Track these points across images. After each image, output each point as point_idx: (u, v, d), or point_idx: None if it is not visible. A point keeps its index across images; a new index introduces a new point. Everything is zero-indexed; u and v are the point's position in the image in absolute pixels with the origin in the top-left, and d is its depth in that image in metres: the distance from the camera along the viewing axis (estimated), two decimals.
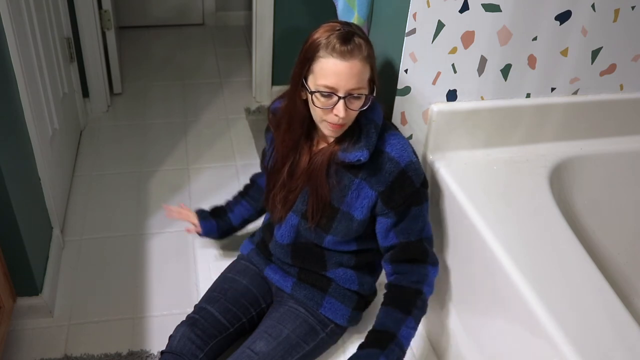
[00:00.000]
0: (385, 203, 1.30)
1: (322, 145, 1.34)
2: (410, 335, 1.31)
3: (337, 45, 1.16)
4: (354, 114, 1.24)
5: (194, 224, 1.73)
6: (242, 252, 1.61)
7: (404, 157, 1.28)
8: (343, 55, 1.16)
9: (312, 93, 1.21)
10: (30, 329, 1.58)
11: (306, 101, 1.27)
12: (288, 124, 1.33)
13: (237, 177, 2.22)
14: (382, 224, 1.34)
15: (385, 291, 1.36)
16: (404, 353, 1.29)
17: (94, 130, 2.48)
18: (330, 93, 1.19)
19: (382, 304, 1.35)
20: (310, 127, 1.33)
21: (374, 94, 1.25)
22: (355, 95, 1.20)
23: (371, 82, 1.23)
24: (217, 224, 1.71)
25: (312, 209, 1.34)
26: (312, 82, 1.21)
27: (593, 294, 1.12)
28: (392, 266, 1.35)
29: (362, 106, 1.22)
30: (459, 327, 1.43)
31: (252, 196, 1.71)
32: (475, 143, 1.49)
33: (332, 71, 1.17)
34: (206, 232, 1.73)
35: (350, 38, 1.17)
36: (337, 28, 1.18)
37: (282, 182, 1.39)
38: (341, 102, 1.18)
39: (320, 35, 1.18)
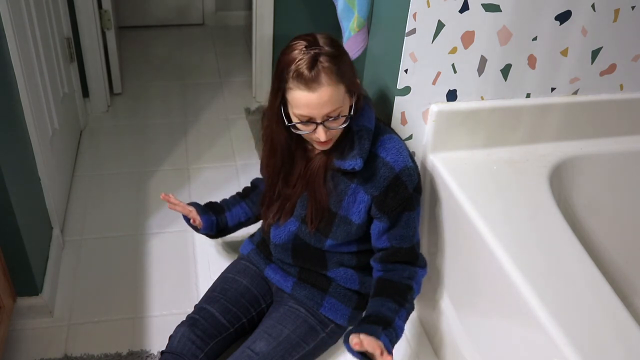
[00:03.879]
0: (378, 208, 1.30)
1: (317, 151, 1.35)
2: (402, 328, 1.31)
3: (304, 73, 1.14)
4: (338, 130, 1.25)
5: (193, 218, 1.62)
6: (242, 252, 1.61)
7: (398, 162, 1.28)
8: (309, 86, 1.15)
9: (291, 125, 1.23)
10: (30, 329, 1.58)
11: (286, 127, 1.28)
12: (270, 150, 1.35)
13: (237, 177, 2.22)
14: (376, 226, 1.35)
15: (374, 285, 1.37)
16: (397, 339, 1.29)
17: (94, 130, 2.48)
18: (307, 121, 1.20)
19: (373, 295, 1.35)
20: (298, 142, 1.34)
21: (358, 98, 1.26)
22: (332, 116, 1.20)
23: (350, 94, 1.23)
24: (216, 220, 1.65)
25: (312, 214, 1.34)
26: (290, 111, 1.22)
27: (593, 294, 1.12)
28: (382, 265, 1.37)
29: (344, 122, 1.23)
30: (459, 326, 1.43)
31: (254, 200, 1.67)
32: (475, 143, 1.49)
33: (303, 103, 1.17)
34: (205, 228, 1.62)
35: (312, 65, 1.14)
36: (302, 53, 1.15)
37: (278, 193, 1.40)
38: (320, 127, 1.20)
39: (288, 63, 1.17)
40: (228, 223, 1.66)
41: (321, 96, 1.16)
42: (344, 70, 1.19)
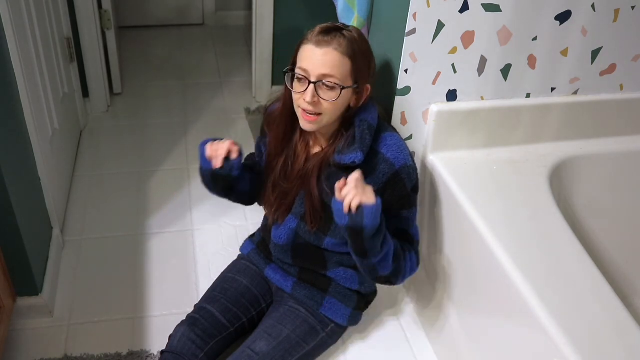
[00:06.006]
0: None
1: (317, 149, 1.34)
2: (389, 254, 1.27)
3: (316, 35, 1.20)
4: (327, 108, 1.22)
5: (237, 150, 1.35)
6: (243, 252, 1.61)
7: (399, 160, 1.28)
8: (319, 43, 1.19)
9: (288, 72, 1.24)
10: (30, 329, 1.58)
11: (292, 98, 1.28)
12: (280, 116, 1.35)
13: None
14: None
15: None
16: (380, 232, 1.23)
17: (94, 130, 2.48)
18: (302, 76, 1.21)
19: None
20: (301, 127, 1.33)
21: (360, 94, 1.26)
22: (326, 83, 1.20)
23: (354, 79, 1.22)
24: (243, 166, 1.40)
25: (309, 212, 1.34)
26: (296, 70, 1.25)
27: (593, 294, 1.12)
28: None
29: (334, 98, 1.21)
30: (459, 326, 1.43)
31: (254, 179, 1.47)
32: (475, 143, 1.49)
33: (306, 55, 1.21)
34: (232, 165, 1.34)
35: (332, 31, 1.20)
36: (328, 23, 1.22)
37: (274, 181, 1.38)
38: (310, 86, 1.20)
39: (310, 30, 1.23)
40: (238, 184, 1.43)
41: (325, 54, 1.19)
42: (358, 56, 1.21)
